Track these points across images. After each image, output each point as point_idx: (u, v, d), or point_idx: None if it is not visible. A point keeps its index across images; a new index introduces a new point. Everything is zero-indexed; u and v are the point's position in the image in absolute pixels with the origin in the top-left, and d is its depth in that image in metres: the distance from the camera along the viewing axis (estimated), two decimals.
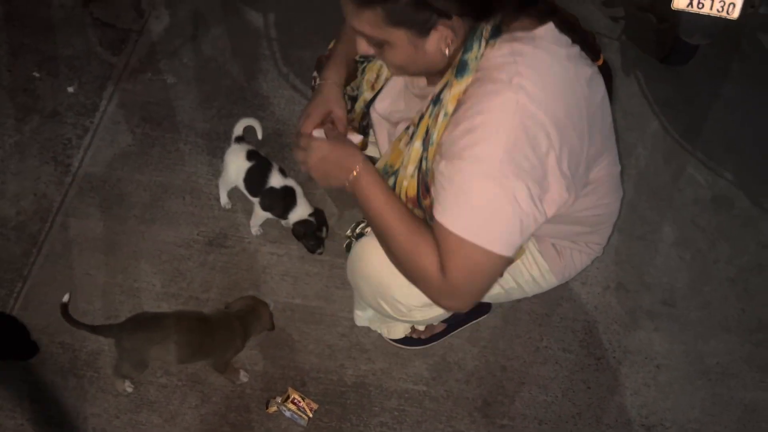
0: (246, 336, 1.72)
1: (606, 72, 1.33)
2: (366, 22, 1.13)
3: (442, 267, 1.18)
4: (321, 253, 2.04)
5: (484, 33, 1.16)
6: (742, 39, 3.25)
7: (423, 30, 1.12)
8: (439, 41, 1.15)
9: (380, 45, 1.17)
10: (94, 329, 1.60)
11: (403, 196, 1.30)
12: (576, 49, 1.22)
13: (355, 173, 1.27)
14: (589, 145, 1.24)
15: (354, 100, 1.57)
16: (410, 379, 1.90)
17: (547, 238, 1.49)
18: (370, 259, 1.43)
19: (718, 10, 2.60)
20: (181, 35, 2.69)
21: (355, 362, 1.90)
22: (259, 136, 2.16)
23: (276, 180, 2.00)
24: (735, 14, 2.59)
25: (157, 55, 2.59)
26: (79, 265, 1.94)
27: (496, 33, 1.16)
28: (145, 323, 1.61)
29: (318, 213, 2.02)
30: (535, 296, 2.12)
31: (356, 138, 1.40)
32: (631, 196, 2.52)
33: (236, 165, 2.03)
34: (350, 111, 1.59)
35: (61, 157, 2.20)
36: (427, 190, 1.25)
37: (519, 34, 1.16)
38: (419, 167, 1.26)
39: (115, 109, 2.38)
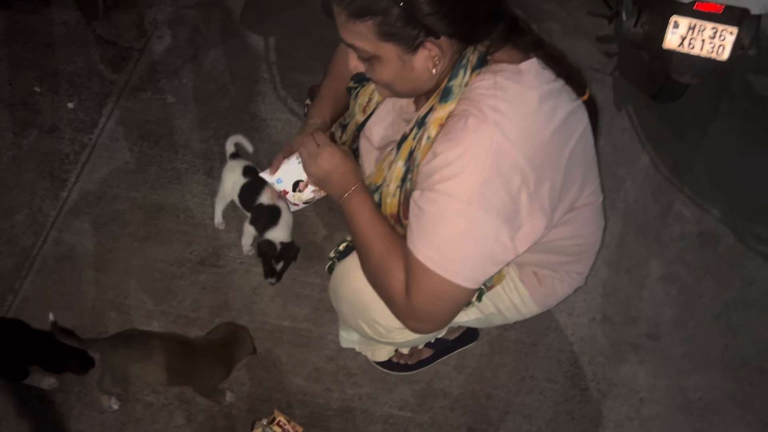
0: (233, 363, 1.73)
1: (591, 106, 1.38)
2: (357, 35, 1.16)
3: (408, 290, 1.22)
4: (272, 284, 2.03)
5: (470, 62, 1.20)
6: (732, 79, 3.33)
7: (411, 46, 1.16)
8: (426, 59, 1.18)
9: (370, 59, 1.21)
10: (81, 342, 1.60)
11: (385, 213, 1.34)
12: (559, 83, 1.26)
13: (350, 191, 1.32)
14: (567, 180, 1.27)
15: (344, 127, 1.62)
16: (396, 404, 1.91)
17: (528, 266, 1.52)
18: (351, 281, 1.46)
19: (708, 52, 2.67)
20: (182, 55, 2.73)
21: (342, 386, 1.91)
22: (249, 149, 2.19)
23: (267, 197, 2.03)
24: (725, 56, 2.66)
25: (157, 74, 2.63)
26: (70, 281, 1.95)
27: (481, 63, 1.20)
28: (129, 341, 1.62)
29: (289, 246, 2.02)
30: (522, 326, 2.16)
31: None
32: (620, 229, 2.56)
33: (232, 180, 2.07)
34: (341, 137, 1.63)
35: (57, 172, 2.22)
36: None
37: (503, 66, 1.20)
38: (402, 186, 1.29)
39: (114, 126, 2.41)
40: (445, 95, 1.22)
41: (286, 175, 1.51)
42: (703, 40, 2.67)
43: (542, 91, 1.21)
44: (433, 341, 1.89)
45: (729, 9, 2.61)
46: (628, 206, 2.67)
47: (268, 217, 2.01)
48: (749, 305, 2.43)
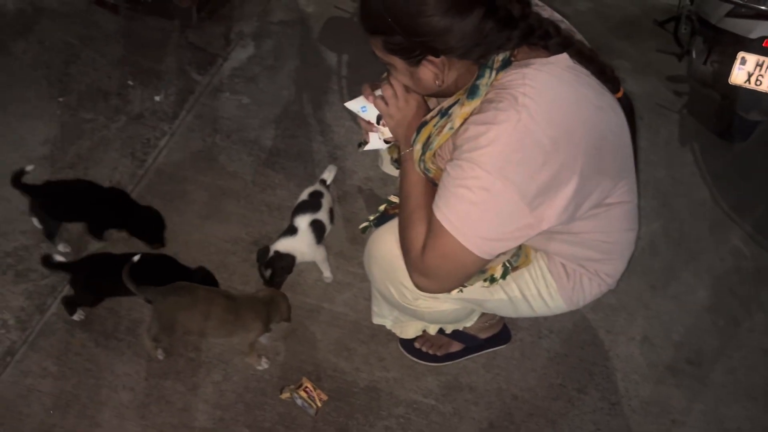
0: (269, 321, 1.85)
1: (627, 105, 1.43)
2: (374, 46, 1.33)
3: (424, 246, 1.32)
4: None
5: (495, 64, 1.30)
6: None
7: (414, 62, 1.29)
8: (429, 72, 1.31)
9: (388, 66, 1.36)
10: (138, 288, 1.77)
11: None
12: (590, 78, 1.33)
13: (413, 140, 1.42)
14: (596, 170, 1.32)
15: None
16: (421, 391, 1.97)
17: (557, 257, 1.56)
18: (384, 244, 1.57)
19: None
20: (261, 64, 2.98)
21: (371, 368, 1.99)
22: (328, 181, 2.29)
23: (300, 221, 2.10)
24: None
25: (236, 78, 2.87)
26: (136, 244, 2.13)
27: (506, 64, 1.28)
28: (178, 290, 1.78)
29: (280, 257, 2.03)
30: (557, 336, 2.17)
31: None
32: (671, 256, 2.54)
33: (302, 194, 2.21)
34: None
35: (138, 153, 2.46)
36: None
37: (532, 60, 1.28)
38: (417, 167, 1.41)
39: (193, 119, 2.65)
40: (473, 92, 1.31)
41: (371, 106, 1.51)
42: None
43: (570, 80, 1.28)
44: (461, 329, 1.94)
45: None
46: (682, 236, 2.64)
47: (285, 231, 2.10)
48: None
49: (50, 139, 2.43)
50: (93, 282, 1.90)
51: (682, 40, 3.45)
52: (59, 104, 2.57)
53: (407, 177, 1.45)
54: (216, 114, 2.69)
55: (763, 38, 2.63)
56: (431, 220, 1.31)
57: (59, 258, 1.90)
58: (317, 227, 2.12)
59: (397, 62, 1.32)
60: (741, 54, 2.67)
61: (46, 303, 1.98)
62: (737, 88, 2.72)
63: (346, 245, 2.31)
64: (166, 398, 1.83)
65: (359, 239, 2.32)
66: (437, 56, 1.27)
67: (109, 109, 2.60)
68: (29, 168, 2.04)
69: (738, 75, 2.70)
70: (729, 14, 2.79)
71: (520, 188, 1.23)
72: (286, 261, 2.04)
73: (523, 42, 1.28)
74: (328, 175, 2.30)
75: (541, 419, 1.98)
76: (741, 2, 2.66)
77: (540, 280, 1.59)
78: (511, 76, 1.27)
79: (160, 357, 1.88)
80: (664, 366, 2.18)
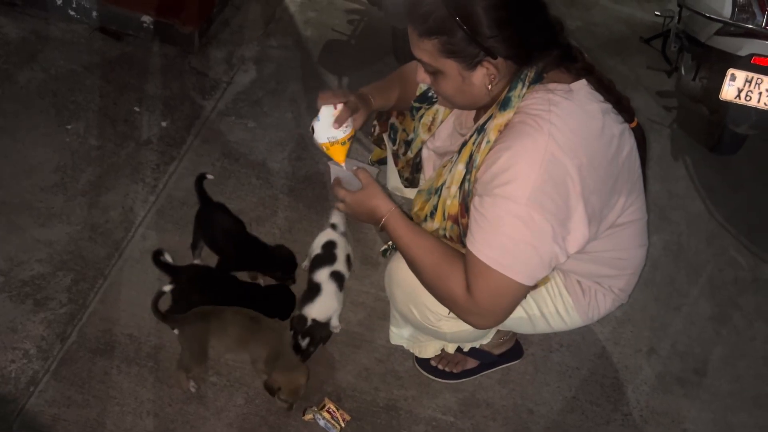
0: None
1: (639, 134, 1.51)
2: (424, 51, 1.35)
3: (469, 288, 1.37)
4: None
5: (527, 77, 1.36)
6: None
7: (471, 64, 1.33)
8: (484, 77, 1.35)
9: (434, 73, 1.39)
10: (164, 317, 1.79)
11: (444, 214, 1.49)
12: (607, 105, 1.40)
13: (383, 221, 1.50)
14: (612, 193, 1.40)
15: (408, 143, 1.80)
16: (439, 409, 2.00)
17: (573, 275, 1.62)
18: (405, 267, 1.60)
19: (765, 104, 2.74)
20: (264, 88, 3.02)
21: (389, 387, 2.02)
22: (342, 229, 2.24)
23: (320, 276, 2.08)
24: None
25: (241, 102, 2.91)
26: (152, 271, 2.13)
27: (537, 78, 1.36)
28: (206, 315, 1.80)
29: (320, 326, 1.99)
30: (567, 349, 2.22)
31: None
32: (671, 269, 2.61)
33: (312, 247, 2.20)
34: (405, 153, 1.82)
35: (148, 179, 2.48)
36: (467, 210, 1.43)
37: (556, 86, 1.35)
38: (461, 187, 1.44)
39: (200, 143, 2.68)
40: (505, 104, 1.37)
41: (323, 120, 1.62)
42: (761, 93, 2.75)
43: (592, 109, 1.36)
44: (477, 347, 1.98)
45: None
46: (680, 248, 2.71)
47: (308, 292, 2.07)
48: None
49: (61, 167, 2.44)
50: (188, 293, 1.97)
51: (670, 57, 3.56)
52: (68, 132, 2.59)
53: (400, 242, 1.49)
54: (223, 138, 2.72)
55: (751, 55, 2.73)
56: (472, 263, 1.35)
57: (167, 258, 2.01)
58: (337, 277, 2.10)
59: (450, 67, 1.34)
60: (731, 71, 2.76)
61: (66, 331, 1.98)
62: (727, 104, 2.81)
63: (358, 266, 2.34)
64: (191, 423, 1.84)
65: (371, 259, 2.36)
66: (495, 58, 1.32)
67: (117, 136, 2.62)
68: (210, 176, 2.25)
69: (728, 91, 2.79)
70: (718, 32, 2.89)
71: (555, 216, 1.30)
72: (327, 332, 2.03)
73: (560, 62, 1.34)
74: (337, 220, 2.24)
75: None
76: (730, 21, 2.77)
77: (557, 298, 1.65)
78: (537, 98, 1.33)
79: (193, 390, 1.89)
80: (672, 376, 2.24)
